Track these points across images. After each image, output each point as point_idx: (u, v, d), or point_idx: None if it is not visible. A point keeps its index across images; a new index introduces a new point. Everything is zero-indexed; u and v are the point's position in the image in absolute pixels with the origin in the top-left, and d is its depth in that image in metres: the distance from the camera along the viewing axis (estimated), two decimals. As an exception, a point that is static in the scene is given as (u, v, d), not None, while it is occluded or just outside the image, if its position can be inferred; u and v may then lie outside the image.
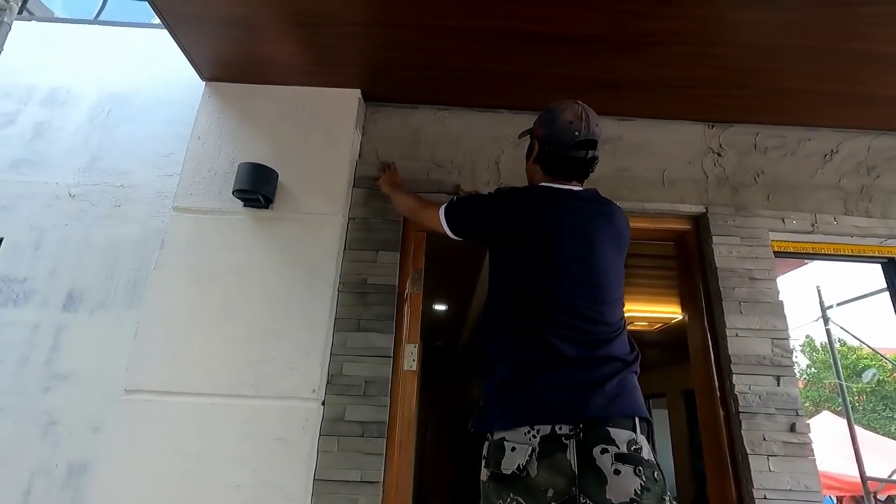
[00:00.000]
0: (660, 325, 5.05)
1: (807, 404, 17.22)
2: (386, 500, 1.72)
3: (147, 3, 1.76)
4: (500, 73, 2.05)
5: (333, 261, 1.89)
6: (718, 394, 1.91)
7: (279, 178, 1.95)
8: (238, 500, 1.58)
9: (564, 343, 1.18)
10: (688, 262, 2.18)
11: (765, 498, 1.69)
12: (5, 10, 1.90)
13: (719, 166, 2.21)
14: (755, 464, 1.73)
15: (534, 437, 1.09)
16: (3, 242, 2.12)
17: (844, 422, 5.64)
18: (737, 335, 1.90)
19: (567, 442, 1.07)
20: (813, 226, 2.09)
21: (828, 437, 8.00)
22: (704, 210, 2.11)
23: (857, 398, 16.32)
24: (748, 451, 1.75)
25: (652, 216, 2.16)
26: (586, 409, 1.09)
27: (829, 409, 11.48)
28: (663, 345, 6.38)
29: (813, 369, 18.20)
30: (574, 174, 1.41)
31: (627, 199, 2.13)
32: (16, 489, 1.77)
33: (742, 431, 1.78)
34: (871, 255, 2.16)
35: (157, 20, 2.75)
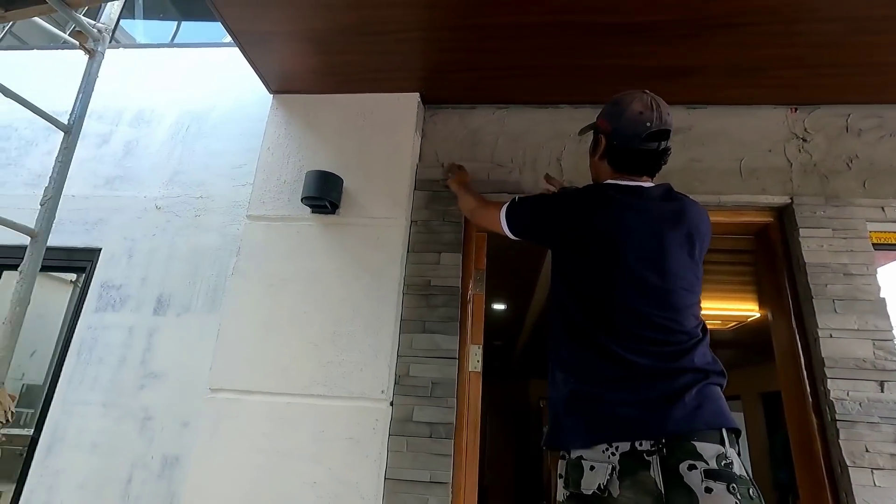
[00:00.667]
0: (734, 323, 4.74)
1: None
2: (455, 502, 1.72)
3: (220, 23, 1.86)
4: (561, 68, 2.00)
5: (398, 263, 1.92)
6: (811, 400, 1.76)
7: (344, 184, 2.00)
8: (315, 496, 1.64)
9: (637, 355, 1.10)
10: (771, 258, 2.03)
11: (870, 515, 1.54)
12: (99, 40, 2.09)
13: (805, 153, 2.03)
14: (857, 477, 1.58)
15: (613, 454, 1.02)
16: (101, 252, 2.33)
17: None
18: (830, 336, 1.74)
19: (649, 459, 0.99)
20: (920, 214, 1.88)
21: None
22: (789, 201, 1.95)
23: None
24: (848, 464, 1.60)
25: (729, 209, 2.03)
26: (666, 423, 1.01)
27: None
28: (738, 344, 5.99)
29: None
30: (645, 168, 1.32)
31: (700, 192, 2.01)
32: (119, 478, 1.94)
33: (840, 441, 1.63)
34: None
35: (227, 39, 2.92)
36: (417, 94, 2.18)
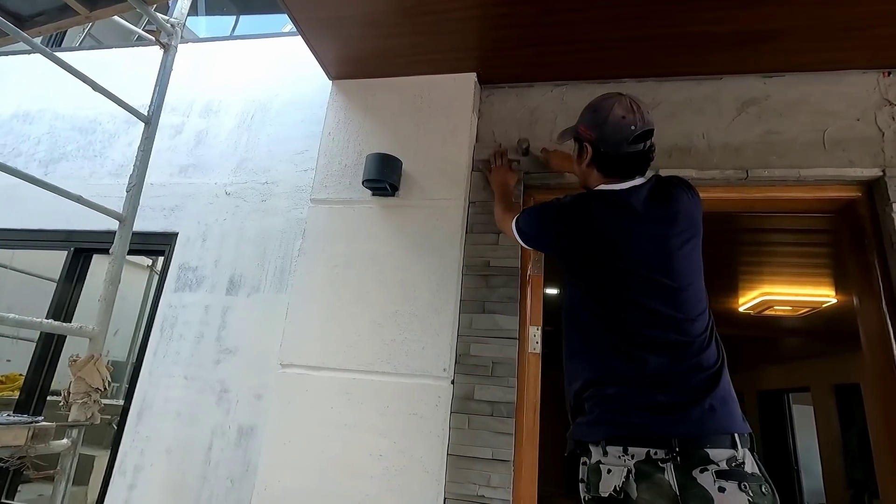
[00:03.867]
0: (806, 309, 4.45)
1: None
2: (517, 480, 1.74)
3: (285, 13, 1.91)
4: (628, 39, 1.91)
5: (457, 244, 1.94)
6: (903, 388, 1.64)
7: (403, 166, 2.03)
8: (381, 468, 1.71)
9: (651, 355, 1.14)
10: (858, 236, 1.88)
11: (973, 512, 1.42)
12: (172, 34, 2.20)
13: (900, 121, 1.86)
14: (958, 472, 1.46)
15: (628, 459, 1.06)
16: (178, 236, 2.49)
17: None
18: (929, 320, 1.61)
19: (664, 465, 1.03)
20: None
21: None
22: (881, 173, 1.80)
23: None
24: (948, 457, 1.48)
25: (810, 184, 1.89)
26: (679, 428, 1.05)
27: None
28: (808, 333, 5.64)
29: None
30: (636, 170, 1.33)
31: (777, 166, 1.89)
32: (201, 445, 2.10)
33: (938, 433, 1.51)
34: None
35: (287, 28, 3.01)
36: (474, 75, 2.16)
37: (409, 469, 1.69)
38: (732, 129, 1.98)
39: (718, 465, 1.00)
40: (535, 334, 1.96)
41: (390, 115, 2.18)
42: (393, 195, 2.03)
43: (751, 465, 1.03)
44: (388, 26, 1.95)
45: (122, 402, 2.42)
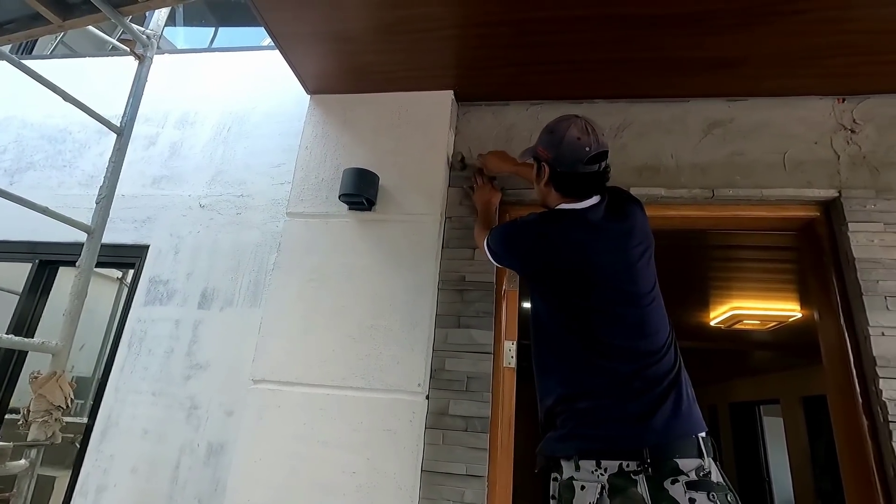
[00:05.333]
0: (774, 323, 4.58)
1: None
2: (491, 496, 1.74)
3: (263, 27, 1.92)
4: (601, 62, 1.98)
5: (433, 259, 1.95)
6: (860, 401, 1.70)
7: (380, 181, 2.04)
8: (354, 485, 1.68)
9: (620, 365, 1.18)
10: (817, 253, 1.96)
11: (926, 521, 1.48)
12: (148, 46, 2.19)
13: (854, 144, 1.96)
14: (912, 481, 1.52)
15: (601, 474, 1.08)
16: (149, 249, 2.44)
17: None
18: (883, 334, 1.68)
19: (636, 478, 1.06)
20: (981, 207, 1.78)
21: None
22: (837, 194, 1.89)
23: None
24: (902, 467, 1.54)
25: (772, 204, 1.97)
26: (649, 439, 1.08)
27: None
28: (777, 346, 5.80)
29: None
30: (591, 189, 1.38)
31: (742, 185, 1.96)
32: (168, 464, 2.04)
33: (893, 444, 1.57)
34: None
35: (265, 42, 3.01)
36: (451, 92, 2.20)
37: (383, 486, 1.67)
38: (699, 150, 2.06)
39: (688, 476, 1.04)
40: (510, 349, 1.98)
41: (368, 131, 2.19)
42: (370, 209, 2.04)
43: (716, 475, 1.07)
44: (367, 43, 1.98)
45: (86, 420, 2.33)
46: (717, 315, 4.62)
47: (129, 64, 2.23)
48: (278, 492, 1.71)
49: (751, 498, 7.45)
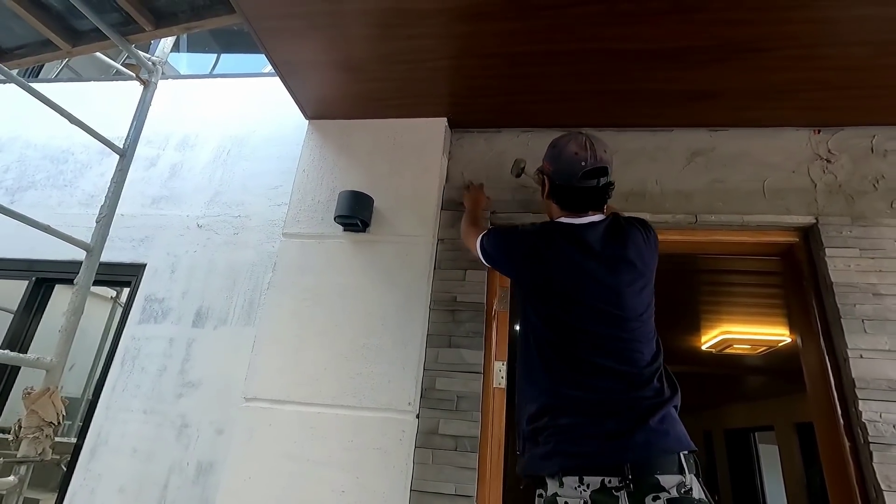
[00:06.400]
0: (764, 348, 4.62)
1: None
2: (480, 516, 1.74)
3: (264, 55, 2.01)
4: (588, 92, 2.07)
5: (425, 280, 1.99)
6: (842, 422, 1.73)
7: (375, 203, 2.10)
8: (343, 504, 1.69)
9: (600, 383, 1.20)
10: (797, 278, 2.02)
11: (907, 542, 1.50)
12: (153, 71, 2.27)
13: (829, 173, 2.05)
14: (893, 502, 1.54)
15: (584, 490, 1.10)
16: (146, 267, 2.47)
17: None
18: (861, 357, 1.73)
19: (618, 494, 1.07)
20: (950, 234, 1.86)
21: None
22: (814, 221, 1.96)
23: None
24: (883, 488, 1.56)
25: (752, 229, 2.04)
26: (628, 453, 1.10)
27: None
28: (769, 371, 5.82)
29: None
30: (589, 205, 1.40)
31: (723, 212, 2.04)
32: (156, 483, 2.03)
33: (874, 465, 1.60)
34: None
35: (266, 69, 3.11)
36: (445, 119, 2.28)
37: (372, 505, 1.68)
38: (683, 177, 2.13)
39: (669, 493, 1.05)
40: (500, 369, 2.00)
41: (364, 155, 2.27)
42: (364, 231, 2.09)
43: (698, 492, 1.08)
44: (364, 72, 2.06)
45: (74, 440, 2.32)
46: (709, 339, 4.66)
47: (132, 87, 2.31)
48: (267, 511, 1.70)
49: (747, 526, 7.35)
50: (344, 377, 1.87)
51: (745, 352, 4.82)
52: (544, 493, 1.17)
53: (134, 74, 2.28)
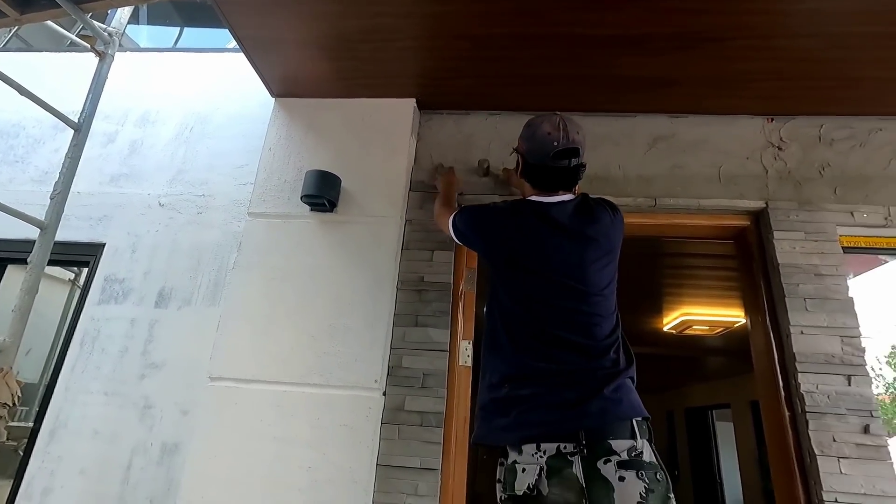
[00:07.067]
0: (721, 329, 4.84)
1: (895, 421, 15.71)
2: (444, 487, 1.80)
3: (227, 30, 1.95)
4: (554, 77, 2.10)
5: (393, 260, 2.01)
6: (783, 394, 1.85)
7: (342, 183, 2.09)
8: (310, 480, 1.71)
9: (561, 354, 1.24)
10: (748, 260, 2.13)
11: (836, 501, 1.62)
12: (109, 43, 2.18)
13: (780, 160, 2.15)
14: (824, 466, 1.67)
15: (541, 457, 1.14)
16: (105, 247, 2.40)
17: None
18: (801, 333, 1.84)
19: (572, 459, 1.12)
20: (886, 219, 1.98)
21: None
22: (765, 205, 2.06)
23: (957, 417, 14.72)
24: (817, 453, 1.69)
25: (708, 213, 2.13)
26: (585, 422, 1.15)
27: (920, 426, 10.41)
28: (726, 352, 6.09)
29: (902, 383, 16.59)
30: (560, 184, 1.44)
31: (682, 196, 2.12)
32: (119, 465, 2.01)
33: (809, 432, 1.72)
34: (955, 249, 2.02)
35: (231, 44, 3.02)
36: (414, 100, 2.28)
37: (338, 480, 1.71)
38: (644, 162, 2.20)
39: (620, 456, 1.11)
40: (466, 348, 2.05)
41: (331, 134, 2.25)
42: (331, 211, 2.09)
43: (648, 455, 1.13)
44: (331, 50, 2.04)
45: (31, 425, 2.26)
46: (670, 321, 4.84)
47: (88, 60, 2.22)
48: (234, 488, 1.72)
49: (704, 498, 7.74)
50: (311, 356, 1.88)
51: (704, 333, 5.04)
52: (505, 462, 1.22)
53: (89, 46, 2.18)
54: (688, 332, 4.93)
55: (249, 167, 2.39)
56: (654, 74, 2.05)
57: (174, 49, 3.40)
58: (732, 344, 5.31)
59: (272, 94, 2.34)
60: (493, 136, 2.32)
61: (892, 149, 2.13)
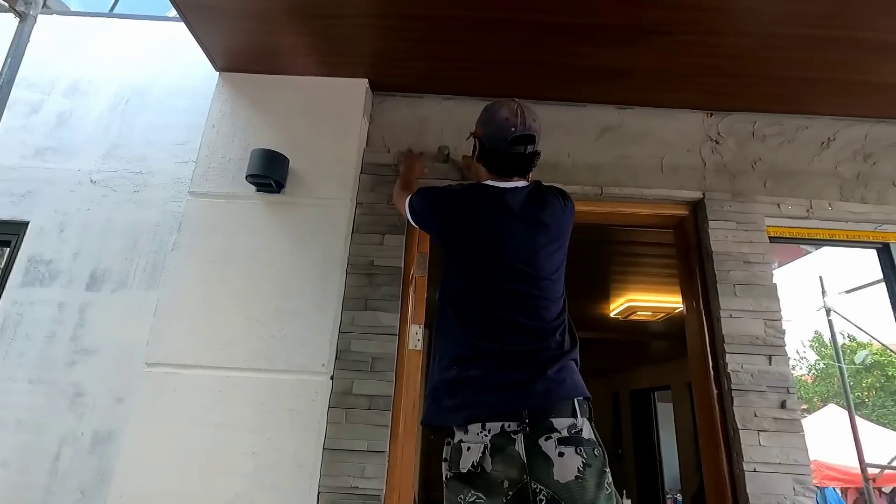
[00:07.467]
0: (663, 314, 5.09)
1: (815, 399, 17.16)
2: (391, 470, 1.81)
3: (165, -5, 1.84)
4: (506, 62, 2.11)
5: (342, 243, 1.98)
6: (713, 373, 1.98)
7: (290, 164, 2.03)
8: (254, 465, 1.68)
9: (509, 336, 1.28)
10: (686, 248, 2.24)
11: (754, 471, 1.76)
12: (31, 3, 2.00)
13: (717, 153, 2.26)
14: (746, 439, 1.80)
15: (485, 436, 1.17)
16: (29, 226, 2.23)
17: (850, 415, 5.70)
18: (731, 316, 1.97)
19: (516, 437, 1.15)
20: (808, 211, 2.14)
21: (833, 429, 8.02)
22: (702, 196, 2.17)
23: (866, 394, 16.24)
24: (739, 427, 1.82)
25: (651, 202, 2.22)
26: (529, 400, 1.19)
27: (836, 403, 11.44)
28: (668, 336, 6.42)
29: (822, 364, 18.11)
30: (515, 170, 1.46)
31: (627, 185, 2.19)
32: (46, 455, 1.89)
33: (734, 408, 1.85)
34: (865, 240, 2.20)
35: (172, 13, 2.84)
36: (366, 81, 2.23)
37: (283, 465, 1.69)
38: (593, 151, 2.26)
39: (561, 433, 1.15)
40: (416, 332, 2.05)
41: (280, 113, 2.17)
42: (279, 192, 2.02)
43: (588, 432, 1.18)
44: (279, 24, 1.96)
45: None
46: (616, 307, 5.05)
47: (7, 20, 2.02)
48: (171, 475, 1.66)
49: (645, 474, 8.20)
50: (256, 340, 1.83)
51: (648, 318, 5.29)
52: (451, 441, 1.24)
53: (7, 5, 1.99)
54: (633, 317, 5.16)
55: (191, 144, 2.28)
56: (604, 65, 2.10)
57: (110, 14, 3.15)
58: (673, 328, 5.60)
59: (216, 67, 2.23)
60: (447, 121, 2.31)
61: (816, 146, 2.28)
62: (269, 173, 1.95)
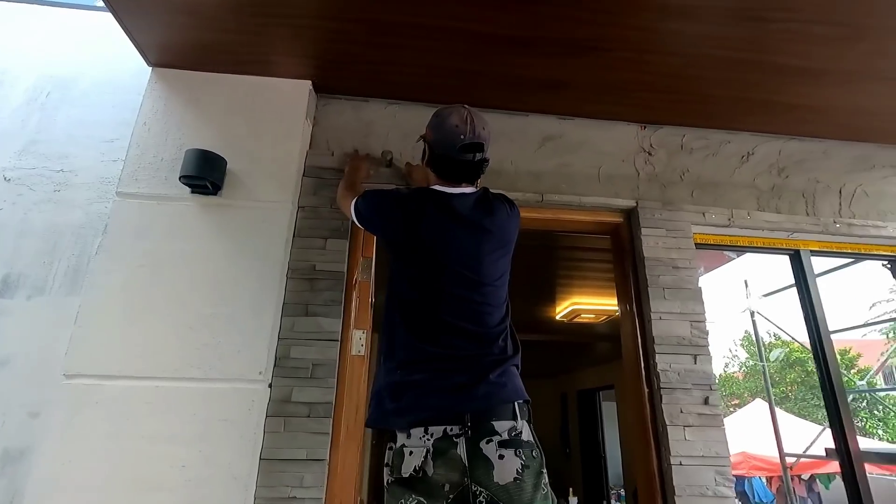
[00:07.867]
0: (605, 317, 5.30)
1: (745, 394, 18.37)
2: (332, 478, 1.78)
3: (90, -16, 1.74)
4: (448, 70, 2.14)
5: (282, 247, 1.93)
6: (644, 373, 2.08)
7: (228, 165, 1.96)
8: (183, 479, 1.61)
9: (453, 340, 1.30)
10: (621, 253, 2.35)
11: (680, 464, 1.87)
12: (-65, -16, 1.83)
13: (649, 164, 2.39)
14: (673, 434, 1.91)
15: (428, 440, 1.18)
16: (-70, 226, 2.03)
17: (776, 408, 6.16)
18: (660, 318, 2.08)
19: (458, 440, 1.17)
20: (729, 220, 2.30)
21: (760, 422, 8.62)
22: (635, 204, 2.28)
23: (789, 388, 17.55)
24: (667, 423, 1.92)
25: (589, 209, 2.31)
26: (471, 403, 1.21)
27: (762, 398, 12.30)
28: (611, 337, 6.66)
29: (751, 362, 19.42)
30: (463, 176, 1.48)
31: (567, 192, 2.27)
32: (-55, 478, 1.72)
33: (663, 405, 1.95)
34: (779, 247, 2.40)
35: (99, 2, 2.68)
36: (310, 82, 2.20)
37: (216, 478, 1.62)
38: (535, 159, 2.33)
39: (501, 436, 1.17)
40: (360, 338, 2.03)
41: (217, 112, 2.10)
42: (215, 194, 1.95)
43: (527, 435, 1.22)
44: (216, 20, 1.89)
45: None
46: (562, 310, 5.21)
47: None
48: (91, 494, 1.56)
49: (590, 472, 8.47)
50: (188, 348, 1.75)
51: (592, 321, 5.48)
52: (394, 446, 1.24)
53: None
54: (577, 319, 5.33)
55: (120, 142, 2.15)
56: (545, 77, 2.18)
57: (30, 1, 2.93)
58: (615, 330, 5.77)
59: (148, 62, 2.13)
60: (392, 126, 2.31)
61: (737, 159, 2.46)
62: (205, 174, 1.88)
